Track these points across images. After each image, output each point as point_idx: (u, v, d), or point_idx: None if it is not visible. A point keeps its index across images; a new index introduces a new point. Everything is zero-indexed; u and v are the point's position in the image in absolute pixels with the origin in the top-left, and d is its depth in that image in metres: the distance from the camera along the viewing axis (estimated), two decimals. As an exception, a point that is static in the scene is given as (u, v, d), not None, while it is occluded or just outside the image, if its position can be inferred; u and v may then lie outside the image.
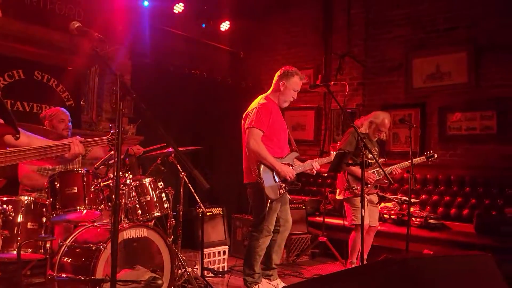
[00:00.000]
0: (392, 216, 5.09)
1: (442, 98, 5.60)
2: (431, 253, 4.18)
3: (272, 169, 3.60)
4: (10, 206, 2.85)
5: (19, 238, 2.86)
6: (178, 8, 5.99)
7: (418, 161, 4.37)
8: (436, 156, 4.43)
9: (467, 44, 5.40)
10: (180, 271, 3.65)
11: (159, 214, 3.54)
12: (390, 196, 5.09)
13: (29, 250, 2.89)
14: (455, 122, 5.47)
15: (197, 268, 4.16)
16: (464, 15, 5.46)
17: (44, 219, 3.02)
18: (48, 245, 3.03)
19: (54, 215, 3.03)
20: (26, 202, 2.94)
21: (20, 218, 2.88)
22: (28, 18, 4.59)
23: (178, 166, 3.88)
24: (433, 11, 5.71)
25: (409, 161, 4.20)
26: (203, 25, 6.47)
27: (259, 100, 3.79)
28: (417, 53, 5.81)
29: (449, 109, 5.52)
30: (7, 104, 1.90)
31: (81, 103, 5.17)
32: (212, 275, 4.31)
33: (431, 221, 4.82)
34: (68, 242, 2.97)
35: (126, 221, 3.25)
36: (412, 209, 4.76)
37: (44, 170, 3.66)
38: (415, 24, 5.85)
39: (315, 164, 3.81)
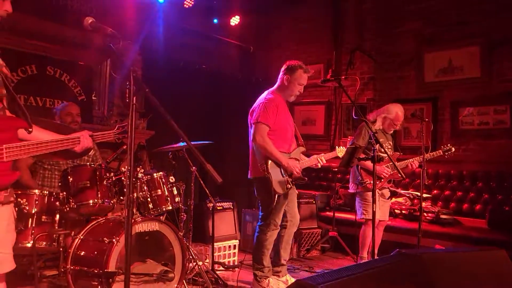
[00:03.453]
0: (403, 211, 5.06)
1: (454, 93, 5.54)
2: (443, 248, 4.15)
3: (279, 163, 3.60)
4: (24, 199, 2.90)
5: (33, 231, 2.91)
6: (188, 3, 5.99)
7: (434, 155, 4.33)
8: (453, 149, 4.37)
9: (480, 38, 5.33)
10: (191, 264, 3.68)
11: (170, 208, 3.56)
12: (402, 191, 5.06)
13: (43, 243, 2.94)
14: (467, 116, 5.41)
15: (207, 262, 4.19)
16: (476, 10, 5.38)
17: (57, 212, 3.06)
18: (61, 238, 3.09)
19: (67, 208, 3.07)
20: (39, 195, 2.99)
21: (34, 211, 2.93)
22: (41, 14, 4.63)
23: (189, 160, 3.90)
24: (445, 5, 5.64)
25: (425, 155, 4.16)
26: (216, 21, 6.46)
27: (265, 95, 3.78)
28: (428, 47, 5.75)
29: (461, 104, 5.46)
30: (20, 99, 1.93)
31: (93, 98, 5.21)
32: (223, 269, 4.34)
33: (443, 216, 4.79)
34: (81, 235, 3.00)
35: (138, 215, 3.28)
36: (423, 204, 4.71)
37: (48, 164, 3.68)
38: (427, 18, 5.79)
39: (320, 159, 3.81)
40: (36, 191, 3.02)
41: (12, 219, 1.96)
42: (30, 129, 1.90)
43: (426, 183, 5.12)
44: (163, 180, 3.56)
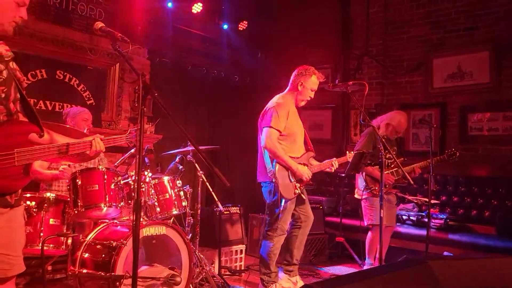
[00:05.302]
0: (411, 218, 5.02)
1: (463, 98, 5.51)
2: (452, 255, 4.12)
3: (287, 168, 3.59)
4: (33, 203, 2.93)
5: (42, 234, 2.93)
6: (197, 8, 6.03)
7: (439, 160, 4.29)
8: (458, 154, 4.33)
9: (489, 43, 5.30)
10: (198, 269, 3.68)
11: (178, 212, 3.57)
12: (409, 197, 5.03)
13: (52, 245, 2.96)
14: (476, 122, 5.37)
15: (214, 267, 4.19)
16: (485, 14, 5.36)
17: (65, 216, 3.09)
18: (69, 241, 3.11)
19: (76, 211, 3.09)
20: (48, 198, 3.02)
21: (42, 214, 2.96)
22: (51, 19, 4.69)
23: (196, 165, 3.91)
24: (454, 10, 5.62)
25: (428, 160, 4.13)
26: (225, 27, 6.48)
27: (276, 99, 3.78)
28: (437, 52, 5.73)
29: (470, 109, 5.43)
30: (30, 102, 1.96)
31: (101, 102, 5.25)
32: (230, 273, 4.34)
33: (451, 222, 4.75)
34: (89, 239, 3.02)
35: (145, 218, 3.30)
36: (432, 210, 4.69)
37: (57, 167, 3.71)
38: (435, 24, 5.77)
39: (334, 163, 3.80)
40: (45, 194, 3.04)
41: (22, 222, 1.97)
42: (42, 133, 1.92)
43: (434, 189, 5.08)
44: (171, 184, 3.57)
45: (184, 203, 3.64)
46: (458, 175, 5.36)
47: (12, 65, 1.94)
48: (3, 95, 1.85)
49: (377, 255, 3.98)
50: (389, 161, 4.12)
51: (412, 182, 3.66)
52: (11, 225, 1.89)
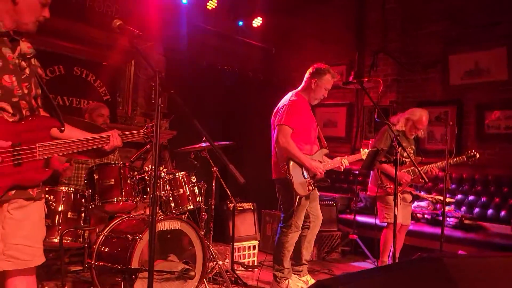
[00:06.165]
0: (426, 216, 4.99)
1: (480, 96, 5.43)
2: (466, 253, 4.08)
3: (301, 165, 3.60)
4: (52, 196, 2.99)
5: (60, 227, 2.99)
6: (212, 4, 6.05)
7: (458, 160, 4.25)
8: (477, 155, 4.27)
9: (507, 40, 5.20)
10: (211, 263, 3.72)
11: (192, 207, 3.60)
12: (424, 195, 4.99)
13: (69, 238, 3.02)
14: (493, 120, 5.30)
15: (227, 262, 4.23)
16: (503, 10, 5.26)
17: (83, 209, 3.15)
18: (86, 234, 3.17)
19: (93, 205, 3.15)
20: (66, 192, 3.08)
21: (61, 208, 3.02)
22: (69, 15, 4.75)
23: (211, 160, 3.94)
24: (471, 6, 5.52)
25: (448, 160, 4.09)
26: (240, 23, 6.50)
27: (289, 96, 3.78)
28: (454, 49, 5.65)
29: (487, 107, 5.35)
30: (51, 98, 2.02)
31: (117, 98, 5.32)
32: (243, 269, 4.37)
33: (467, 221, 4.70)
34: (106, 232, 3.07)
35: (160, 213, 3.34)
36: (447, 208, 4.64)
37: (75, 162, 3.78)
38: (452, 20, 5.69)
39: (344, 161, 3.79)
40: (63, 188, 3.10)
41: (43, 214, 2.03)
42: (63, 128, 1.97)
43: (450, 188, 5.03)
44: (185, 179, 3.61)
45: (198, 199, 3.67)
46: (474, 173, 5.30)
47: (34, 62, 1.99)
48: (26, 91, 1.90)
49: (391, 253, 3.97)
50: (405, 159, 4.09)
51: (427, 181, 3.63)
52: (33, 218, 1.94)
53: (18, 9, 1.85)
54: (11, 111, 1.84)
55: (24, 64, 1.91)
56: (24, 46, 1.95)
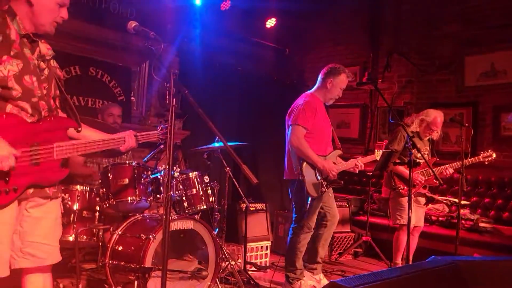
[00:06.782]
0: (440, 218, 4.93)
1: (496, 97, 5.35)
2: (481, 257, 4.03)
3: (314, 166, 3.59)
4: (67, 195, 3.04)
5: (75, 225, 3.04)
6: (225, 5, 6.07)
7: (474, 161, 4.19)
8: (494, 155, 4.22)
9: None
10: (224, 263, 3.73)
11: (205, 207, 3.62)
12: (439, 198, 4.93)
13: (84, 237, 3.07)
14: (509, 122, 5.22)
15: (240, 262, 4.23)
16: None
17: (97, 208, 3.19)
18: (101, 233, 3.21)
19: (107, 204, 3.19)
20: (81, 191, 3.13)
21: (76, 207, 3.07)
22: (85, 17, 4.82)
23: (223, 161, 3.95)
24: (487, 7, 5.45)
25: (461, 161, 4.04)
26: (254, 24, 6.51)
27: (304, 97, 3.78)
28: (469, 50, 5.57)
29: (503, 109, 5.27)
30: (69, 99, 2.06)
31: (131, 98, 5.37)
32: (255, 269, 4.37)
33: (482, 224, 4.64)
34: (120, 231, 3.11)
35: (174, 213, 3.37)
36: (462, 211, 4.59)
37: (90, 162, 3.83)
38: (468, 21, 5.61)
39: (358, 163, 3.77)
40: (78, 187, 3.15)
41: (59, 213, 2.07)
42: (79, 129, 2.00)
43: (465, 190, 4.97)
44: (198, 179, 3.63)
45: (211, 199, 3.69)
46: (490, 175, 5.22)
47: (53, 63, 2.03)
48: (45, 92, 1.94)
49: (405, 256, 3.93)
50: (419, 160, 4.05)
51: (442, 183, 3.59)
52: (50, 216, 1.98)
53: (34, 10, 1.88)
54: (30, 111, 1.87)
55: (43, 65, 1.95)
56: (44, 47, 1.99)
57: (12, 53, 1.80)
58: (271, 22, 6.69)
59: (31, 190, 1.88)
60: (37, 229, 1.93)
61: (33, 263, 1.94)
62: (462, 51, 5.64)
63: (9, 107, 1.82)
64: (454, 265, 1.56)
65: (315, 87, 3.84)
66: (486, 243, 4.39)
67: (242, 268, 4.07)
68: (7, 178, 1.75)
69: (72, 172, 3.66)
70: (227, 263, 3.73)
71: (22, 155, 1.79)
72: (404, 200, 4.02)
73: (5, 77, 1.78)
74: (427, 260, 1.62)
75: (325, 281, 3.81)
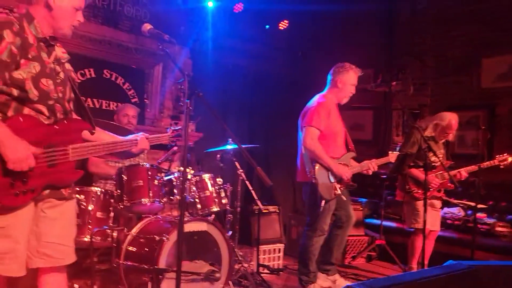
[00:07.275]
0: (456, 222, 4.86)
1: (513, 99, 5.27)
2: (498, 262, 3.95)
3: (327, 168, 3.56)
4: (82, 196, 3.07)
5: (89, 226, 3.06)
6: (238, 7, 6.08)
7: (489, 164, 4.13)
8: (510, 159, 4.15)
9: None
10: (237, 266, 3.73)
11: (218, 209, 3.61)
12: (455, 201, 4.86)
13: (99, 238, 3.08)
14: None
15: (252, 264, 4.23)
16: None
17: (112, 209, 3.21)
18: (115, 234, 3.22)
19: (121, 206, 3.20)
20: (96, 192, 3.15)
21: (91, 207, 3.09)
22: (99, 20, 4.88)
23: (237, 163, 3.95)
24: (504, 8, 5.36)
25: (477, 165, 3.98)
26: (267, 26, 6.51)
27: (317, 98, 3.77)
28: (486, 52, 5.49)
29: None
30: (84, 102, 2.09)
31: (144, 100, 5.41)
32: (268, 272, 4.36)
33: (499, 228, 4.56)
34: (134, 232, 3.12)
35: (187, 215, 3.37)
36: (478, 215, 4.52)
37: (112, 161, 3.87)
38: (485, 21, 5.53)
39: (371, 165, 3.73)
40: (93, 188, 3.17)
41: (74, 214, 2.09)
42: (94, 131, 2.02)
43: (481, 194, 4.89)
44: (211, 181, 3.62)
45: (224, 201, 3.68)
46: (506, 179, 5.12)
47: (68, 66, 2.05)
48: (60, 95, 1.96)
49: (420, 260, 3.89)
50: (434, 163, 4.00)
51: (458, 186, 3.54)
52: (65, 217, 2.00)
53: (54, 14, 1.92)
54: (47, 113, 1.90)
55: (58, 68, 1.98)
56: (59, 51, 2.01)
57: (30, 56, 1.83)
58: (284, 24, 6.68)
59: (47, 191, 1.90)
60: (53, 229, 1.96)
61: (48, 263, 1.97)
62: (479, 53, 5.56)
63: (26, 110, 1.85)
64: (473, 269, 1.53)
65: (326, 89, 3.83)
66: (503, 247, 4.31)
67: (255, 270, 4.06)
68: (25, 179, 1.77)
69: (96, 172, 3.75)
70: (240, 265, 3.72)
71: (39, 156, 1.81)
72: (419, 203, 3.97)
73: (23, 80, 1.81)
74: (444, 264, 1.60)
75: (341, 281, 3.79)
